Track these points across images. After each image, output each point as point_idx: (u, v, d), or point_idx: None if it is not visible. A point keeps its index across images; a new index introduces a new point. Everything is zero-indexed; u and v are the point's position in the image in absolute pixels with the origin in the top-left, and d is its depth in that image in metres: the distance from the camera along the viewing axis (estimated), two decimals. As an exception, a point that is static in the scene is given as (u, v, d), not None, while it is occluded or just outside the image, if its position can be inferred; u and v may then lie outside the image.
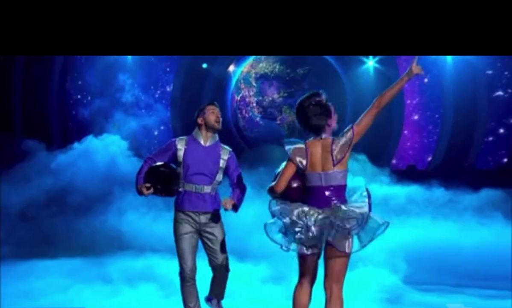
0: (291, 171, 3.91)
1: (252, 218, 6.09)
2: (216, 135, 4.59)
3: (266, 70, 17.94)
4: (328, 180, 3.81)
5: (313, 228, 3.73)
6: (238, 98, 18.47)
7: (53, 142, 13.68)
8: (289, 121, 17.69)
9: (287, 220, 3.77)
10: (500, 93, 15.19)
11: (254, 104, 18.17)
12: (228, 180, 4.62)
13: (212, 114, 4.56)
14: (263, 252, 6.49)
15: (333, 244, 3.73)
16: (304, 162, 3.86)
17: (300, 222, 3.75)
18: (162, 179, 4.36)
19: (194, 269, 4.47)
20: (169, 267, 6.26)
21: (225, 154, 4.57)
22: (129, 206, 9.92)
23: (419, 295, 6.49)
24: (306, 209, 3.78)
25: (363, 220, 3.72)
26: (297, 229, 3.74)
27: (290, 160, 3.91)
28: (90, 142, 13.04)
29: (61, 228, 9.80)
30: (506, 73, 14.97)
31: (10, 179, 10.87)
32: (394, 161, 16.19)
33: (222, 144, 4.61)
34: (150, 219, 9.57)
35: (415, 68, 3.91)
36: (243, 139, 17.88)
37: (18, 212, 10.09)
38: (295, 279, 3.98)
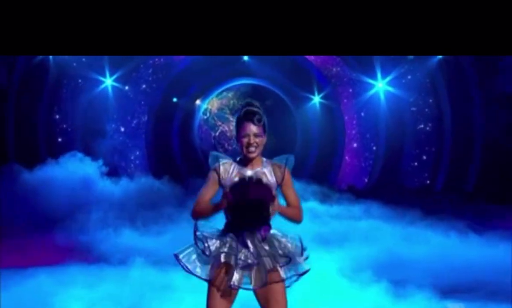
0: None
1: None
2: None
3: (238, 105, 17.98)
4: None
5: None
6: (217, 134, 18.32)
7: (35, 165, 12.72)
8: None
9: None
10: (422, 126, 15.88)
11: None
12: None
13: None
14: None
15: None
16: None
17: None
18: None
19: None
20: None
21: None
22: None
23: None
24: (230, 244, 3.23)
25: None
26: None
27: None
28: (68, 165, 12.74)
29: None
30: (426, 110, 15.78)
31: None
32: (337, 182, 16.84)
33: None
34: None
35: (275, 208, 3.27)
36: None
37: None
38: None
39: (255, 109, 3.36)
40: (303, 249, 3.28)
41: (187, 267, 3.19)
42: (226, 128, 18.53)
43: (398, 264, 7.31)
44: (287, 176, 3.37)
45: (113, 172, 14.49)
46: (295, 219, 3.36)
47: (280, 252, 3.24)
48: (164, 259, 6.33)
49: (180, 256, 3.22)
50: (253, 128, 3.32)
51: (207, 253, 3.17)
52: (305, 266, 3.26)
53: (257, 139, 3.31)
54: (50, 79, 14.85)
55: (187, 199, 10.52)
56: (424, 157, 15.91)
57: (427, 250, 8.18)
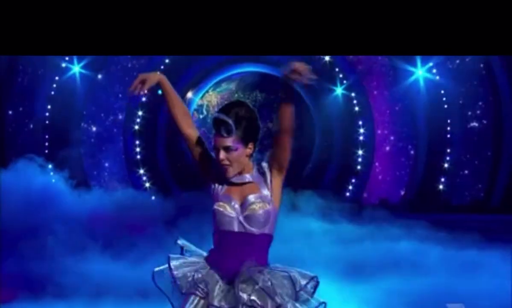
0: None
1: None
2: None
3: (244, 99, 17.78)
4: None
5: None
6: None
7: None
8: None
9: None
10: (474, 124, 16.00)
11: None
12: None
13: None
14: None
15: None
16: None
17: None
18: None
19: None
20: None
21: None
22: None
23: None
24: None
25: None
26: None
27: None
28: (22, 172, 12.53)
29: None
30: (480, 103, 15.82)
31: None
32: (365, 195, 16.59)
33: None
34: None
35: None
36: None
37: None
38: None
39: (222, 117, 3.27)
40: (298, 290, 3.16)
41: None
42: None
43: (454, 299, 7.20)
44: (277, 181, 3.37)
45: (82, 182, 14.43)
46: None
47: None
48: (145, 293, 6.60)
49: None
50: (221, 141, 3.29)
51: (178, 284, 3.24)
52: None
53: (229, 155, 3.27)
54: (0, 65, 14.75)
55: (177, 216, 10.93)
56: (477, 163, 15.90)
57: (490, 281, 8.24)
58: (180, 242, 3.37)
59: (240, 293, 3.15)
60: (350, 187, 16.49)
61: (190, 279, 3.22)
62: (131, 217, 11.83)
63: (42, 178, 12.86)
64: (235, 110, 3.30)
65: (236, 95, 18.23)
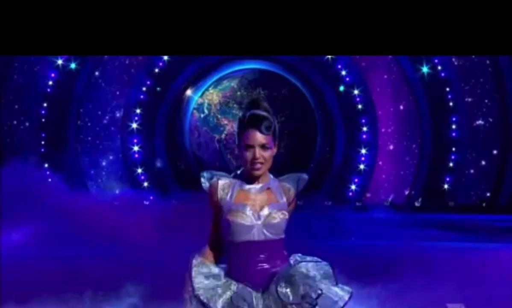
0: None
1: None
2: None
3: (247, 97, 17.67)
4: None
5: None
6: (223, 136, 18.18)
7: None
8: None
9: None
10: (480, 122, 15.97)
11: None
12: None
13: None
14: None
15: None
16: None
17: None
18: None
19: None
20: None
21: None
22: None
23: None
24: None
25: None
26: None
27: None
28: (16, 173, 12.26)
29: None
30: (486, 101, 15.82)
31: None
32: (368, 195, 16.62)
33: None
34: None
35: None
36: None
37: None
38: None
39: (263, 113, 3.18)
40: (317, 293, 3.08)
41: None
42: (235, 127, 18.08)
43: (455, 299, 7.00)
44: (294, 201, 3.29)
45: (79, 181, 14.51)
46: None
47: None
48: (145, 292, 6.37)
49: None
50: (259, 138, 3.15)
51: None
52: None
53: (265, 154, 3.16)
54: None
55: (175, 215, 10.88)
56: (483, 162, 15.96)
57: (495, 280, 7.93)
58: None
59: (281, 296, 3.08)
60: (353, 187, 16.44)
61: (215, 293, 3.14)
62: (129, 216, 11.52)
63: (38, 176, 12.79)
64: (265, 107, 3.21)
65: (238, 93, 18.16)
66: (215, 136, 18.14)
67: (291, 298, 3.06)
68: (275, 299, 3.07)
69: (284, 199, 3.24)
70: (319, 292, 3.06)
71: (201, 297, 3.11)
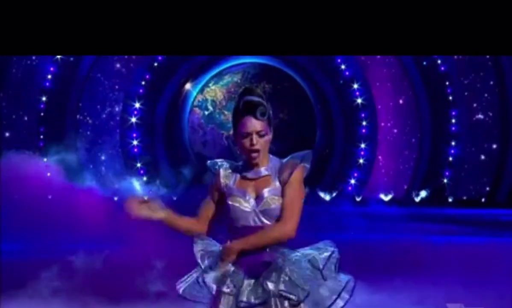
0: None
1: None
2: None
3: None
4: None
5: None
6: (231, 133, 18.22)
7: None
8: None
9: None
10: (479, 116, 15.97)
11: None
12: None
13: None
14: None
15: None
16: None
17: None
18: None
19: None
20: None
21: None
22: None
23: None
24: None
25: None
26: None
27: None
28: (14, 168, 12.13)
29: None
30: (486, 95, 15.80)
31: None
32: (368, 189, 16.62)
33: None
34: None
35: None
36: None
37: None
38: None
39: (257, 99, 3.20)
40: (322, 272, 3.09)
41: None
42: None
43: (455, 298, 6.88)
44: (297, 175, 3.21)
45: (78, 176, 14.19)
46: (271, 242, 3.16)
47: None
48: (144, 291, 6.53)
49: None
50: (255, 124, 3.17)
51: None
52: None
53: (261, 140, 3.18)
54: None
55: (175, 209, 10.38)
56: (483, 157, 15.99)
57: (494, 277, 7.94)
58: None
59: (269, 286, 3.11)
60: (353, 181, 16.46)
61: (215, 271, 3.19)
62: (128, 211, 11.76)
63: (36, 171, 12.66)
64: (258, 93, 3.23)
65: (242, 87, 18.23)
66: (223, 133, 18.10)
67: (275, 291, 3.09)
68: (265, 288, 3.10)
69: (278, 183, 3.24)
70: (306, 288, 3.08)
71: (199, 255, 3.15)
